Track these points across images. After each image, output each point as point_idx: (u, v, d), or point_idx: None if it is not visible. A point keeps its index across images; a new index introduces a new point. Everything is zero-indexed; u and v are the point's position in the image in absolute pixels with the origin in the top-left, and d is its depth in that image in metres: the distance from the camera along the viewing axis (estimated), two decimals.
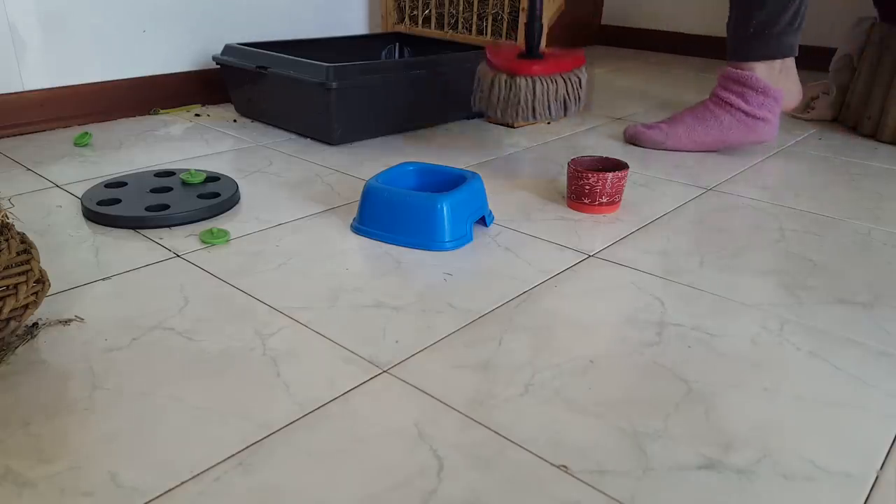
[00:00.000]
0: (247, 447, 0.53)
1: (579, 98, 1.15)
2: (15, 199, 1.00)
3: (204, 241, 0.88)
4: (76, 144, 1.25)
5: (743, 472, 0.52)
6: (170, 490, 0.49)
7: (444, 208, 0.87)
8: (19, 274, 0.62)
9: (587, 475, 0.52)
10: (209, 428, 0.55)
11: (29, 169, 1.12)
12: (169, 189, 1.01)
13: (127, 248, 0.86)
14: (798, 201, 1.09)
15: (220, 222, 0.94)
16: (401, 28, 1.79)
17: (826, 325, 0.73)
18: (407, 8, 1.76)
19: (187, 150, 1.25)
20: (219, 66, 1.46)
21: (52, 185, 1.06)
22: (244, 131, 1.38)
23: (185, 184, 1.03)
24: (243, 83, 1.42)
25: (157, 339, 0.67)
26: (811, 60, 1.53)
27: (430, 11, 1.72)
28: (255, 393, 0.59)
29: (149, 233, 0.90)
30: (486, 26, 1.62)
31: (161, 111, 1.48)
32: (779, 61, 1.27)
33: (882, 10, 1.46)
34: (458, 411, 0.58)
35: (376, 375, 0.62)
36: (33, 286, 0.64)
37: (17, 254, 0.64)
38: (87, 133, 1.27)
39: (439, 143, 1.35)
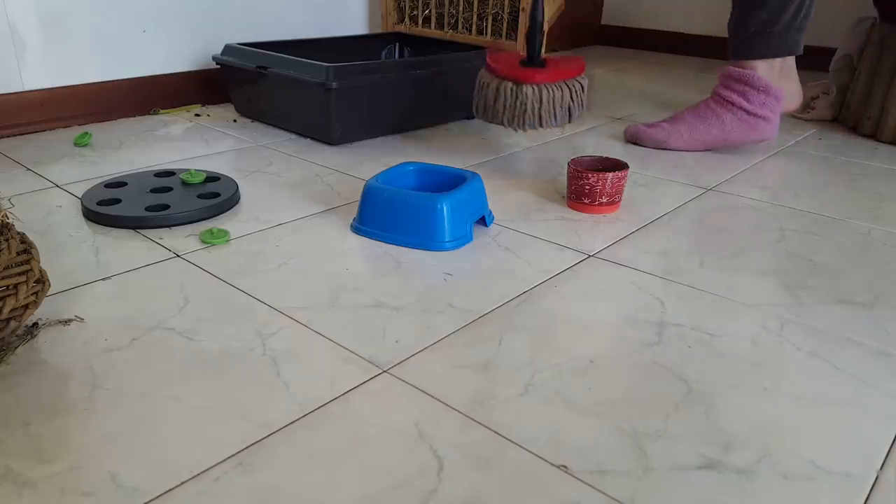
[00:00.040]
0: (247, 447, 0.53)
1: (582, 104, 1.16)
2: (15, 199, 1.00)
3: (204, 241, 0.88)
4: (76, 144, 1.25)
5: (743, 472, 0.52)
6: (170, 490, 0.49)
7: (444, 208, 0.87)
8: (19, 274, 0.62)
9: (587, 475, 0.52)
10: (209, 428, 0.55)
11: (29, 169, 1.12)
12: (169, 189, 1.01)
13: (127, 248, 0.86)
14: (798, 201, 1.09)
15: (220, 222, 0.94)
16: (401, 28, 1.79)
17: (826, 325, 0.73)
18: (407, 8, 1.76)
19: (187, 150, 1.25)
20: (219, 66, 1.46)
21: (52, 185, 1.06)
22: (244, 131, 1.38)
23: (185, 184, 1.03)
24: (243, 83, 1.42)
25: (157, 339, 0.67)
26: (811, 60, 1.53)
27: (430, 11, 1.72)
28: (255, 393, 0.59)
29: (149, 233, 0.90)
30: (486, 26, 1.63)
31: (161, 111, 1.48)
32: (779, 61, 1.27)
33: (882, 11, 1.46)
34: (458, 411, 0.58)
35: (376, 375, 0.62)
36: (33, 286, 0.64)
37: (17, 254, 0.64)
38: (87, 133, 1.27)
39: (439, 143, 1.35)
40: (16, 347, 0.64)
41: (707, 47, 2.39)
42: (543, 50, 1.16)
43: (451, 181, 0.95)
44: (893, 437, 0.57)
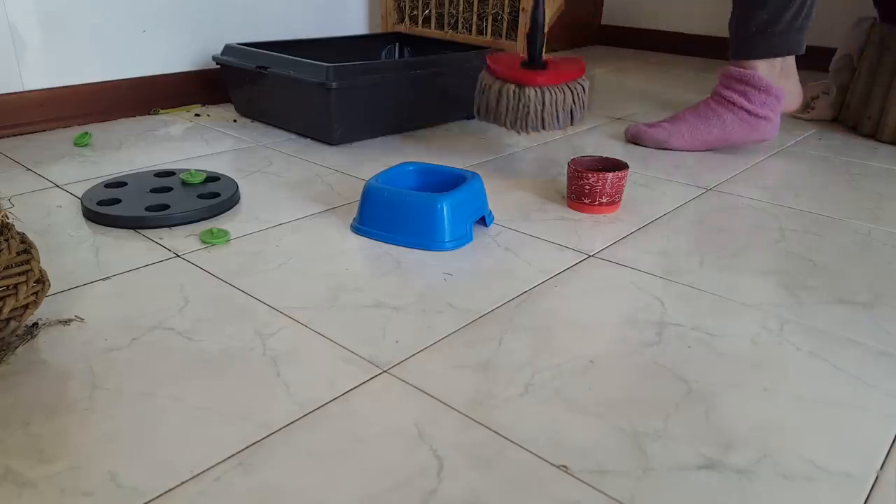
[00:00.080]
0: (247, 447, 0.53)
1: (584, 105, 1.16)
2: (15, 199, 1.00)
3: (204, 241, 0.88)
4: (76, 144, 1.25)
5: (743, 472, 0.52)
6: (170, 490, 0.49)
7: (444, 208, 0.87)
8: (19, 274, 0.62)
9: (587, 475, 0.52)
10: (209, 428, 0.55)
11: (29, 169, 1.12)
12: (169, 189, 1.01)
13: (127, 248, 0.86)
14: (798, 201, 1.09)
15: (220, 222, 0.94)
16: (401, 28, 1.79)
17: (826, 325, 0.73)
18: (407, 8, 1.76)
19: (187, 150, 1.25)
20: (219, 66, 1.46)
21: (52, 185, 1.06)
22: (244, 131, 1.38)
23: (185, 184, 1.03)
24: (243, 83, 1.42)
25: (157, 339, 0.67)
26: (811, 60, 1.53)
27: (430, 11, 1.72)
28: (255, 393, 0.59)
29: (149, 233, 0.90)
30: (486, 26, 1.63)
31: (161, 111, 1.48)
32: (780, 60, 1.27)
33: (882, 11, 1.46)
34: (458, 411, 0.58)
35: (376, 375, 0.62)
36: (33, 286, 0.64)
37: (17, 254, 0.64)
38: (87, 133, 1.27)
39: (439, 143, 1.35)
40: (16, 347, 0.64)
41: (707, 47, 2.39)
42: (544, 50, 1.16)
43: (451, 181, 0.95)
44: (893, 437, 0.57)
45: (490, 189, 1.08)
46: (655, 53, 2.52)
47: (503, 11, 1.58)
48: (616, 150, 1.33)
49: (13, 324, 0.62)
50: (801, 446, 0.55)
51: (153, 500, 0.48)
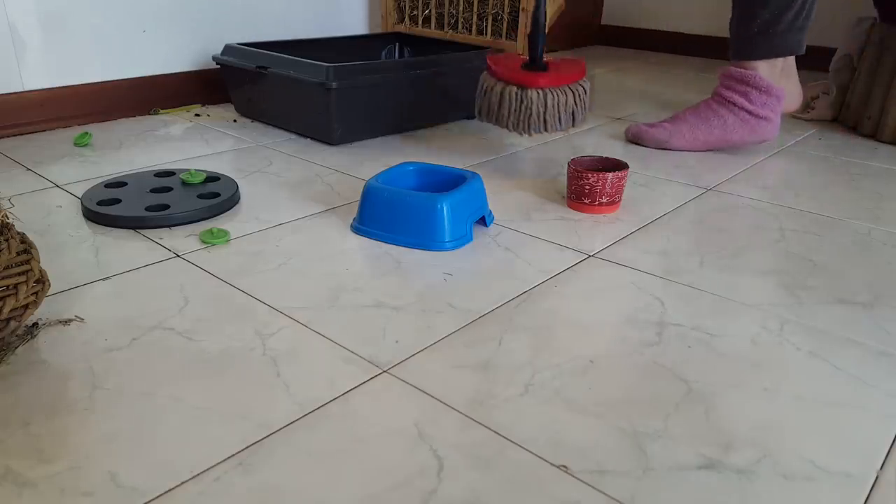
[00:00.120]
0: (247, 447, 0.53)
1: (585, 107, 1.16)
2: (15, 199, 1.00)
3: (204, 241, 0.88)
4: (76, 144, 1.25)
5: (743, 472, 0.52)
6: (170, 490, 0.49)
7: (444, 208, 0.87)
8: (19, 274, 0.62)
9: (587, 475, 0.52)
10: (209, 428, 0.55)
11: (29, 169, 1.12)
12: (169, 189, 1.01)
13: (127, 248, 0.86)
14: (798, 201, 1.09)
15: (220, 222, 0.94)
16: (401, 28, 1.79)
17: (826, 325, 0.73)
18: (407, 8, 1.76)
19: (187, 150, 1.25)
20: (219, 66, 1.46)
21: (52, 185, 1.06)
22: (244, 131, 1.38)
23: (185, 184, 1.03)
24: (243, 83, 1.43)
25: (157, 339, 0.67)
26: (811, 60, 1.53)
27: (430, 11, 1.72)
28: (255, 393, 0.59)
29: (149, 233, 0.90)
30: (486, 26, 1.63)
31: (161, 111, 1.48)
32: (780, 61, 1.27)
33: (882, 11, 1.46)
34: (458, 411, 0.58)
35: (376, 375, 0.62)
36: (33, 286, 0.64)
37: (17, 254, 0.64)
38: (87, 133, 1.27)
39: (439, 143, 1.35)
40: (16, 347, 0.64)
41: (707, 47, 2.39)
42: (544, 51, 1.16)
43: (451, 181, 0.95)
44: (893, 437, 0.57)
45: (490, 189, 1.08)
46: (655, 53, 2.52)
47: (503, 11, 1.58)
48: (616, 150, 1.33)
49: (13, 324, 0.62)
50: (801, 446, 0.55)
51: (153, 500, 0.48)
